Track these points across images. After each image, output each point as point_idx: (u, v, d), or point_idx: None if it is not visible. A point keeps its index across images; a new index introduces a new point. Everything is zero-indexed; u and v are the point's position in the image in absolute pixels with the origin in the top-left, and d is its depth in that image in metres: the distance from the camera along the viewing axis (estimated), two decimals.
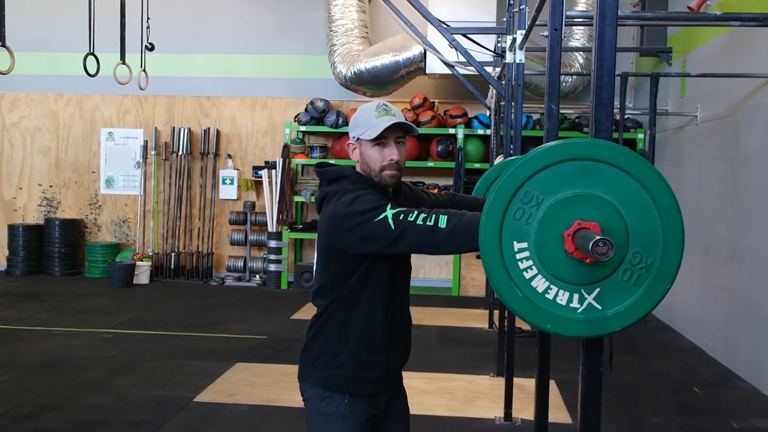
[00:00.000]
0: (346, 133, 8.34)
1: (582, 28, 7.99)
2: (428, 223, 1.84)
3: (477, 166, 8.37)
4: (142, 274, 8.65)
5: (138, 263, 8.63)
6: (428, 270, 9.02)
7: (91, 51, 5.95)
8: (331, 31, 8.28)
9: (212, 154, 9.17)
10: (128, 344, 5.77)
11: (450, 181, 8.65)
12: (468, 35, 5.53)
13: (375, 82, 8.13)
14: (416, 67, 8.00)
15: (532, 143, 6.93)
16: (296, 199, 8.63)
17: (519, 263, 1.54)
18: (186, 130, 9.11)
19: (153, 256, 9.08)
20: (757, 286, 5.08)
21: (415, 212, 1.87)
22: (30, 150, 9.48)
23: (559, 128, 2.60)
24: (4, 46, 4.60)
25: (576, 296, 1.53)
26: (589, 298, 1.53)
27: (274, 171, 8.54)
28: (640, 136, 8.10)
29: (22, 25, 8.81)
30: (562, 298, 1.53)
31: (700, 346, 6.07)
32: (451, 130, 8.36)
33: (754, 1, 5.47)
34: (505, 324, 4.61)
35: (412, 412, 2.35)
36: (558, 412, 4.30)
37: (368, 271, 2.07)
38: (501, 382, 4.52)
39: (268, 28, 9.12)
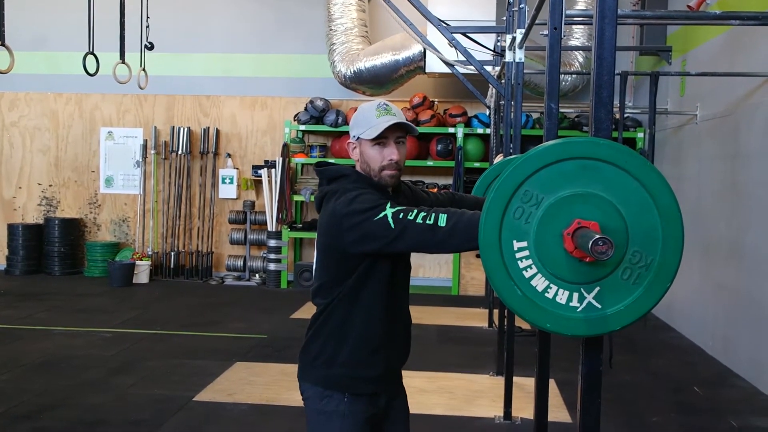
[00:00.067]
0: (346, 133, 8.39)
1: (582, 26, 7.99)
2: (428, 221, 1.84)
3: (477, 165, 8.37)
4: (142, 274, 8.65)
5: (138, 262, 8.63)
6: (428, 269, 9.02)
7: (91, 50, 5.95)
8: (331, 30, 8.28)
9: (212, 154, 9.17)
10: (128, 343, 5.77)
11: (450, 180, 8.65)
12: (467, 34, 5.53)
13: (374, 81, 8.13)
14: (416, 66, 8.00)
15: (531, 142, 6.92)
16: (296, 198, 8.63)
17: (518, 262, 1.54)
18: (185, 130, 9.11)
19: (152, 256, 9.07)
20: (756, 285, 5.08)
21: (415, 211, 1.87)
22: (29, 149, 9.48)
23: (558, 127, 2.60)
24: (3, 45, 4.60)
25: (576, 295, 1.53)
26: (589, 297, 1.53)
27: (273, 170, 8.54)
28: (640, 135, 8.10)
29: (22, 24, 8.80)
30: (562, 297, 1.53)
31: (700, 345, 6.07)
32: (451, 129, 8.35)
33: (754, 0, 5.47)
34: (505, 323, 4.61)
35: (411, 411, 2.35)
36: (558, 411, 4.30)
37: (368, 270, 2.07)
38: (501, 381, 4.52)
39: (267, 27, 9.12)
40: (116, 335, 6.04)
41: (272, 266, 8.64)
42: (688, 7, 6.37)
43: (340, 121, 8.44)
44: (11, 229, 9.03)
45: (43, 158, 9.46)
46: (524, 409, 4.26)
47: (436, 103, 8.73)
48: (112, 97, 9.25)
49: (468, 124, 8.42)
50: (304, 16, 9.00)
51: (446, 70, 7.03)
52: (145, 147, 9.23)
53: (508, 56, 4.41)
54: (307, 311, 6.89)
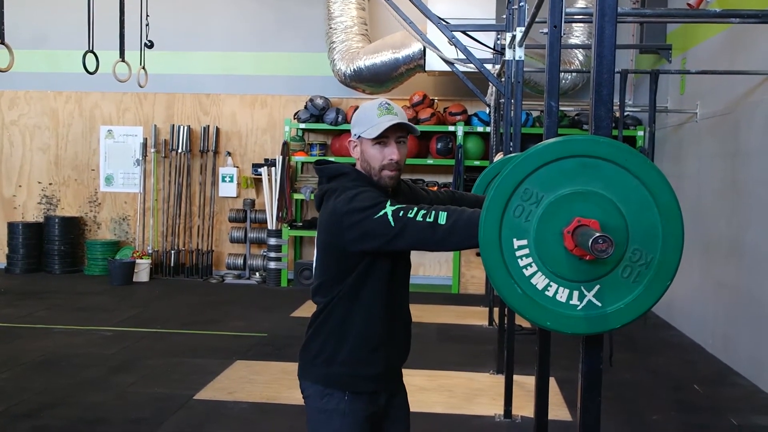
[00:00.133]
0: (346, 131, 8.39)
1: (582, 25, 7.99)
2: (428, 219, 1.84)
3: (477, 163, 8.37)
4: (142, 272, 8.65)
5: (138, 261, 8.63)
6: (428, 267, 9.02)
7: (91, 48, 5.95)
8: (331, 28, 8.28)
9: (212, 152, 9.17)
10: (128, 342, 5.77)
11: (450, 179, 8.65)
12: (467, 32, 5.53)
13: (374, 80, 8.13)
14: (416, 64, 8.00)
15: (531, 140, 6.92)
16: (296, 196, 8.63)
17: (519, 260, 1.54)
18: (185, 128, 9.10)
19: (153, 254, 9.07)
20: (756, 283, 5.08)
21: (415, 209, 1.87)
22: (29, 148, 9.48)
23: (558, 125, 2.60)
24: (3, 43, 4.60)
25: (576, 293, 1.53)
26: (589, 295, 1.53)
27: (273, 168, 8.54)
28: (640, 133, 8.10)
29: (22, 22, 8.80)
30: (562, 295, 1.53)
31: (700, 343, 6.07)
32: (451, 128, 8.35)
33: None
34: (505, 321, 4.62)
35: (412, 409, 2.35)
36: (558, 410, 4.30)
37: (368, 268, 2.07)
38: (501, 379, 4.53)
39: (267, 25, 9.12)
40: (116, 334, 6.04)
41: (272, 264, 8.64)
42: (688, 5, 6.37)
43: (340, 119, 8.44)
44: (11, 227, 9.04)
45: (43, 157, 9.46)
46: (524, 407, 4.26)
47: (436, 101, 8.72)
48: (112, 95, 9.25)
49: (468, 122, 8.42)
50: (304, 15, 9.00)
51: (446, 68, 7.02)
52: (145, 145, 9.23)
53: (508, 54, 4.40)
54: (307, 310, 6.89)
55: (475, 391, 4.72)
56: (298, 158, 8.69)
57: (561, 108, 7.85)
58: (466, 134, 8.39)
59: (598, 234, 1.39)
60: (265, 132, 9.21)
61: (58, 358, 5.27)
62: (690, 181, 6.50)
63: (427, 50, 7.60)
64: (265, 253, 8.81)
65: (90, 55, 5.88)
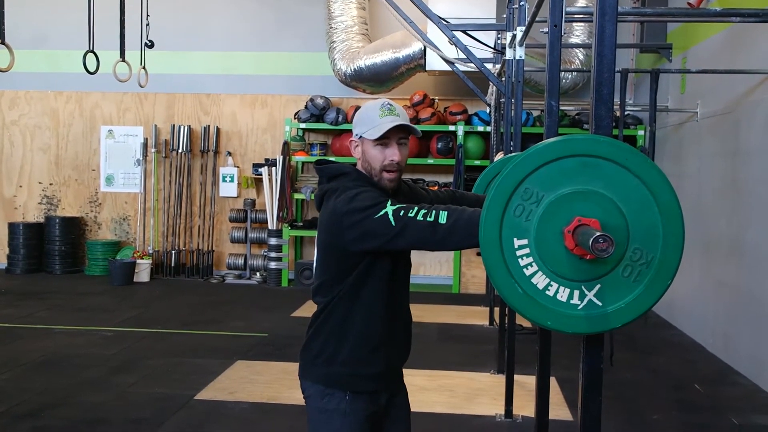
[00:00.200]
0: (346, 131, 8.40)
1: (582, 24, 7.99)
2: (428, 219, 1.84)
3: (477, 163, 8.37)
4: (143, 272, 8.65)
5: (138, 261, 8.63)
6: (429, 267, 9.02)
7: (91, 48, 5.95)
8: (331, 28, 8.27)
9: (212, 152, 9.17)
10: (129, 342, 5.77)
11: (450, 178, 8.65)
12: (468, 32, 5.53)
13: (375, 79, 8.13)
14: (416, 63, 8.00)
15: (532, 140, 6.93)
16: (296, 196, 8.62)
17: (519, 260, 1.54)
18: (186, 128, 9.11)
19: (153, 254, 9.08)
20: (757, 282, 5.08)
21: (416, 208, 1.87)
22: (30, 148, 9.48)
23: (559, 125, 2.60)
24: (3, 43, 4.60)
25: (576, 293, 1.53)
26: (590, 295, 1.53)
27: (274, 168, 8.54)
28: (641, 132, 8.10)
29: (22, 22, 8.80)
30: (563, 294, 1.53)
31: (701, 343, 6.07)
32: (451, 127, 8.35)
33: None
34: (506, 321, 4.62)
35: (412, 409, 2.35)
36: (558, 409, 4.30)
37: (368, 268, 2.07)
38: (501, 379, 4.52)
39: (267, 25, 9.12)
40: (117, 334, 6.04)
41: (273, 264, 8.64)
42: (689, 4, 6.37)
43: (340, 119, 8.44)
44: (12, 227, 9.04)
45: (43, 157, 9.46)
46: (525, 407, 4.26)
47: (436, 100, 8.72)
48: (112, 95, 9.25)
49: (468, 121, 8.42)
50: (304, 14, 9.00)
51: (446, 67, 7.03)
52: (145, 145, 9.23)
53: (509, 54, 4.40)
54: (307, 309, 6.89)
55: (476, 391, 4.72)
56: (299, 158, 8.69)
57: (561, 107, 7.85)
58: (466, 134, 8.39)
59: (598, 233, 1.39)
60: (265, 132, 9.21)
61: (59, 358, 5.27)
62: (690, 181, 6.49)
63: (428, 50, 7.60)
64: (265, 253, 8.81)
65: (90, 55, 5.88)
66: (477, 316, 7.01)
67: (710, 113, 6.18)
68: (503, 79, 5.04)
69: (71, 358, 5.27)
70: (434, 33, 6.16)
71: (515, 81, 4.23)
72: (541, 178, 1.53)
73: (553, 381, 4.49)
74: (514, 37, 4.27)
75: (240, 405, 4.35)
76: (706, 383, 5.02)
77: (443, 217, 1.83)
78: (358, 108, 2.20)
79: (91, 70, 5.82)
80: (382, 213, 1.89)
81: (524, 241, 1.54)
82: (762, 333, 4.94)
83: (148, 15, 6.80)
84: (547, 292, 1.53)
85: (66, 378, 4.79)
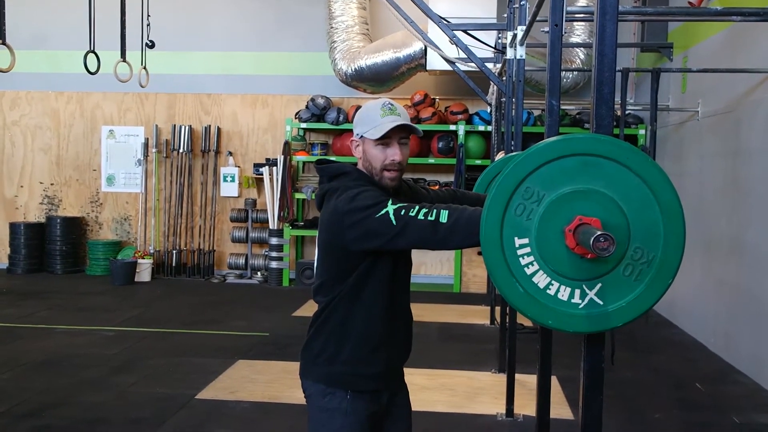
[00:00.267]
0: (347, 130, 8.39)
1: (583, 23, 7.98)
2: (429, 218, 1.83)
3: (478, 162, 8.36)
4: (144, 272, 8.66)
5: (139, 261, 8.63)
6: (430, 267, 9.02)
7: (92, 49, 5.95)
8: (332, 27, 8.28)
9: (213, 152, 9.17)
10: (130, 342, 5.77)
11: (451, 178, 8.65)
12: (468, 31, 5.53)
13: (376, 79, 8.13)
14: (417, 63, 7.99)
15: (533, 139, 6.93)
16: (297, 196, 8.63)
17: (520, 259, 1.54)
18: (187, 128, 9.11)
19: (154, 254, 9.08)
20: (757, 281, 5.07)
21: (417, 207, 1.87)
22: (31, 148, 9.49)
23: (560, 124, 2.60)
24: (4, 44, 4.60)
25: (577, 292, 1.53)
26: (591, 294, 1.53)
27: (275, 168, 8.54)
28: (641, 131, 8.10)
29: (23, 22, 8.80)
30: (564, 293, 1.53)
31: (702, 342, 6.07)
32: (452, 127, 8.35)
33: None
34: (507, 320, 4.62)
35: (413, 408, 2.35)
36: (560, 408, 4.30)
37: (369, 268, 2.07)
38: (502, 378, 4.53)
39: (268, 25, 9.12)
40: (118, 334, 6.05)
41: (274, 264, 8.64)
42: (689, 3, 6.36)
43: (341, 118, 8.44)
44: (13, 227, 9.04)
45: (44, 157, 9.47)
46: (526, 406, 4.26)
47: (437, 100, 8.72)
48: (113, 95, 9.26)
49: (469, 121, 8.42)
50: (305, 14, 9.00)
51: (447, 67, 7.03)
52: (146, 145, 9.23)
53: (509, 53, 4.40)
54: (308, 309, 6.90)
55: (477, 390, 4.72)
56: (300, 158, 8.70)
57: (562, 107, 7.85)
58: (467, 133, 8.39)
59: (599, 232, 1.39)
60: (266, 132, 9.21)
61: (60, 358, 5.27)
62: (691, 180, 6.49)
63: (428, 49, 7.60)
64: (266, 253, 8.81)
65: (91, 56, 5.88)
66: (478, 316, 7.01)
67: (711, 112, 6.17)
68: (504, 78, 5.04)
69: (72, 358, 5.27)
70: (435, 32, 6.17)
71: (516, 80, 4.23)
72: (542, 177, 1.53)
73: (554, 380, 4.49)
74: (514, 36, 4.27)
75: (241, 404, 4.36)
76: (707, 382, 5.02)
77: (444, 216, 1.82)
78: (358, 108, 2.19)
79: (92, 70, 5.82)
80: (383, 212, 1.89)
81: (525, 240, 1.54)
82: (763, 332, 4.94)
83: (148, 15, 6.81)
84: (548, 291, 1.54)
85: (67, 378, 4.80)
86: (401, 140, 2.11)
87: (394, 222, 1.87)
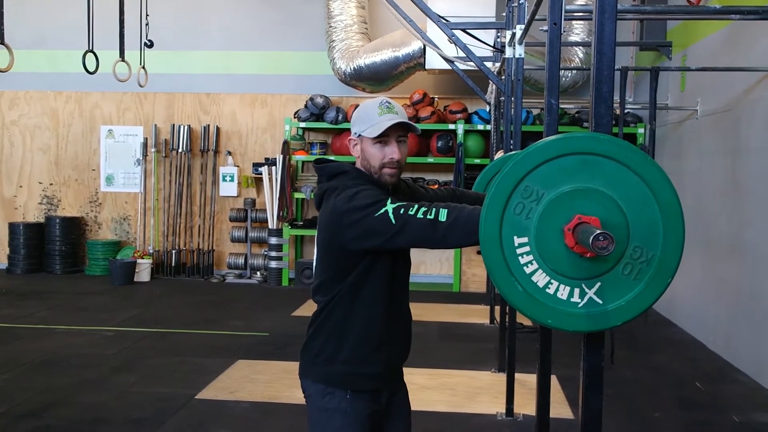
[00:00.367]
0: (346, 130, 8.39)
1: (581, 22, 7.98)
2: (428, 216, 1.83)
3: (477, 161, 8.36)
4: (143, 272, 8.66)
5: (139, 261, 8.63)
6: (429, 266, 9.02)
7: (91, 48, 5.95)
8: (331, 27, 8.27)
9: (212, 151, 9.17)
10: (129, 342, 5.77)
11: (450, 177, 8.65)
12: (467, 30, 5.52)
13: (374, 78, 8.13)
14: (416, 62, 7.99)
15: (532, 138, 6.92)
16: (296, 195, 8.62)
17: (519, 258, 1.54)
18: (186, 127, 9.10)
19: (154, 254, 9.07)
20: (757, 280, 5.07)
21: (416, 206, 1.87)
22: (30, 148, 9.48)
23: (559, 123, 2.60)
24: (3, 43, 4.60)
25: (577, 291, 1.53)
26: (590, 293, 1.53)
27: (274, 168, 8.54)
28: (640, 130, 8.10)
29: (21, 22, 8.80)
30: (563, 292, 1.53)
31: (701, 341, 6.07)
32: (451, 126, 8.35)
33: None
34: (506, 319, 4.62)
35: (413, 408, 2.35)
36: (559, 407, 4.30)
37: (368, 267, 2.06)
38: (502, 377, 4.53)
39: (267, 24, 9.11)
40: (117, 333, 6.04)
41: (273, 264, 8.64)
42: (688, 1, 6.36)
43: (340, 118, 8.44)
44: (12, 227, 9.04)
45: (43, 157, 9.46)
46: (526, 405, 4.26)
47: (436, 99, 8.72)
48: (112, 95, 9.25)
49: (468, 120, 8.42)
50: (304, 13, 8.99)
51: (446, 66, 7.02)
52: (145, 145, 9.23)
53: (508, 52, 4.40)
54: (308, 309, 6.89)
55: (477, 390, 4.72)
56: (299, 157, 8.69)
57: (561, 105, 7.85)
58: (466, 132, 8.39)
59: (598, 231, 1.39)
60: (265, 131, 9.21)
61: (60, 358, 5.27)
62: (691, 179, 6.49)
63: (427, 48, 7.60)
64: (266, 253, 8.81)
65: (90, 55, 5.87)
66: (477, 315, 7.01)
67: (710, 111, 6.17)
68: (503, 77, 5.03)
69: (72, 358, 5.27)
70: (434, 32, 6.17)
71: (515, 79, 4.23)
72: (542, 176, 1.52)
73: (553, 379, 4.49)
74: (513, 35, 4.27)
75: (240, 404, 4.35)
76: (707, 381, 5.02)
77: (443, 215, 1.82)
78: (357, 107, 2.19)
79: (91, 69, 5.82)
80: (382, 211, 1.89)
81: (524, 239, 1.54)
82: (763, 331, 4.94)
83: (147, 15, 6.80)
84: (547, 290, 1.53)
85: (66, 378, 4.79)
86: (399, 138, 2.11)
87: (393, 221, 1.87)
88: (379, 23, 8.71)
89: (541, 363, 2.67)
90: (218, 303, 7.53)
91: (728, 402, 4.60)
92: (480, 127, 8.32)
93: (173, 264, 9.07)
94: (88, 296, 7.70)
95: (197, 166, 9.24)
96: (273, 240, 8.61)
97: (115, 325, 6.35)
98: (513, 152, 3.83)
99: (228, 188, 9.13)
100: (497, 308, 5.96)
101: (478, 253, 1.69)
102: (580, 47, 8.02)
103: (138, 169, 9.29)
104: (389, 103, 2.11)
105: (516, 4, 4.14)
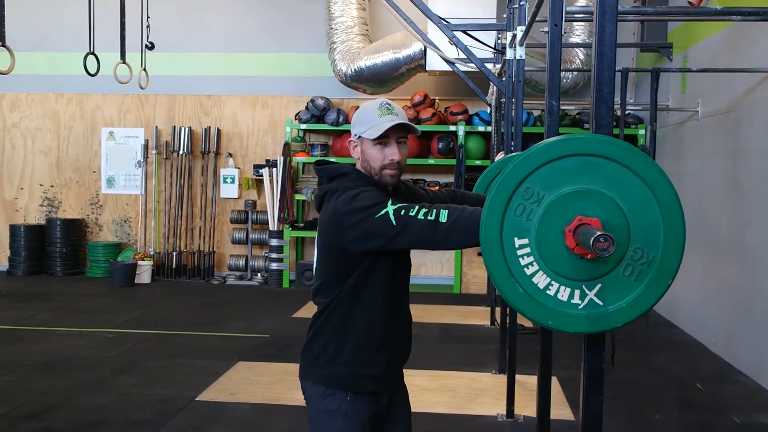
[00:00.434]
0: (347, 131, 8.38)
1: (582, 23, 7.98)
2: (429, 217, 1.83)
3: (478, 163, 8.36)
4: (144, 274, 8.66)
5: (139, 263, 8.63)
6: (430, 267, 9.02)
7: (92, 50, 5.95)
8: (332, 28, 8.28)
9: (213, 153, 9.17)
10: (130, 344, 5.77)
11: (451, 179, 8.65)
12: (468, 32, 5.52)
13: (375, 80, 8.13)
14: (416, 64, 7.99)
15: (532, 140, 6.92)
16: (297, 197, 8.62)
17: (520, 259, 1.54)
18: (187, 129, 9.11)
19: (154, 256, 9.08)
20: (758, 282, 5.07)
21: (416, 207, 1.87)
22: (31, 150, 9.49)
23: (559, 124, 2.60)
24: (4, 46, 4.60)
25: (577, 292, 1.53)
26: (591, 294, 1.53)
27: (275, 169, 8.54)
28: (641, 131, 8.10)
29: (22, 25, 8.81)
30: (564, 294, 1.53)
31: (702, 342, 6.07)
32: (452, 127, 8.35)
33: None
34: (507, 321, 4.62)
35: (414, 409, 2.35)
36: (560, 409, 4.30)
37: (369, 268, 2.07)
38: (503, 379, 4.52)
39: (268, 26, 9.12)
40: (118, 335, 6.04)
41: (274, 265, 8.64)
42: (689, 3, 6.36)
43: (341, 119, 8.44)
44: (13, 229, 9.04)
45: (44, 159, 9.47)
46: (527, 406, 4.26)
47: (437, 101, 8.72)
48: (113, 97, 9.26)
49: (469, 121, 8.42)
50: (305, 15, 9.00)
51: (447, 68, 7.02)
52: (146, 147, 9.23)
53: (509, 53, 4.40)
54: (309, 310, 6.89)
55: (478, 391, 4.72)
56: (300, 159, 8.69)
57: (562, 107, 7.85)
58: (467, 134, 8.39)
59: (599, 233, 1.39)
60: (266, 133, 9.21)
61: (60, 360, 5.27)
62: (691, 180, 6.49)
63: (428, 50, 7.60)
64: (266, 254, 8.81)
65: (91, 57, 5.88)
66: (478, 316, 7.00)
67: (711, 112, 6.17)
68: (504, 79, 5.04)
69: (72, 360, 5.27)
70: (434, 33, 6.17)
71: (516, 81, 4.23)
72: (542, 177, 1.52)
73: (554, 381, 4.50)
74: (514, 36, 4.27)
75: (241, 406, 4.35)
76: (708, 382, 5.01)
77: (444, 216, 1.82)
78: (358, 109, 2.19)
79: (92, 72, 5.82)
80: (383, 212, 1.89)
81: (525, 241, 1.54)
82: (764, 332, 4.93)
83: (148, 17, 6.81)
84: (547, 292, 1.53)
85: (67, 380, 4.79)
86: (399, 140, 2.11)
87: (393, 222, 1.87)
88: (380, 25, 8.72)
89: (541, 364, 2.67)
90: (219, 305, 7.53)
91: (729, 403, 4.60)
92: (481, 128, 8.32)
93: (174, 266, 9.07)
94: (88, 298, 7.70)
95: (198, 167, 9.24)
96: (274, 242, 8.61)
97: (116, 327, 6.35)
98: (514, 154, 3.83)
99: (229, 190, 9.13)
100: (498, 310, 5.96)
101: (479, 254, 1.69)
102: (581, 48, 8.02)
103: (139, 171, 9.29)
104: (389, 104, 2.11)
105: (517, 6, 4.15)
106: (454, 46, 5.13)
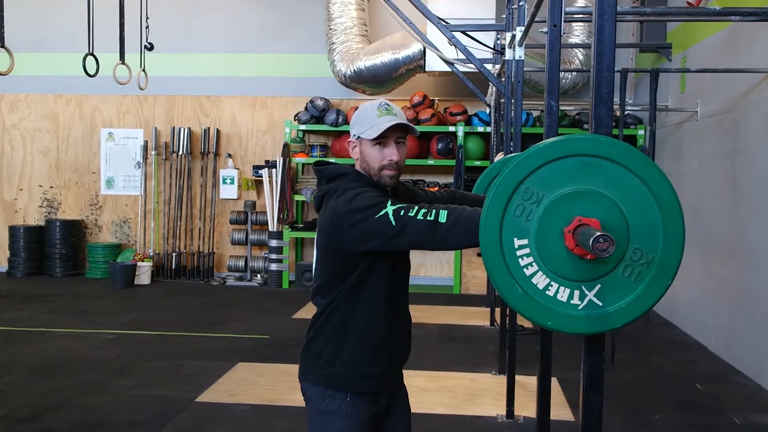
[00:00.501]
0: (346, 132, 8.38)
1: (581, 24, 7.99)
2: (428, 218, 1.83)
3: (477, 163, 8.36)
4: (144, 275, 8.66)
5: (139, 264, 8.63)
6: (429, 268, 9.02)
7: (91, 51, 5.95)
8: (331, 29, 8.28)
9: (212, 154, 9.17)
10: (130, 345, 5.77)
11: (450, 179, 8.65)
12: (467, 32, 5.53)
13: (375, 81, 8.13)
14: (416, 64, 7.99)
15: (532, 140, 6.91)
16: (297, 198, 8.62)
17: (519, 260, 1.54)
18: (186, 130, 9.11)
19: (154, 257, 9.08)
20: (758, 281, 5.07)
21: (416, 208, 1.87)
22: (30, 151, 9.48)
23: (559, 125, 2.60)
24: (3, 46, 4.60)
25: (577, 293, 1.53)
26: (590, 295, 1.53)
27: (274, 170, 8.54)
28: (641, 132, 8.10)
29: (22, 25, 8.81)
30: (563, 294, 1.53)
31: (702, 342, 6.07)
32: (451, 128, 8.35)
33: None
34: (507, 321, 4.61)
35: (413, 410, 2.35)
36: (560, 409, 4.30)
37: (368, 269, 2.06)
38: (503, 379, 4.52)
39: (267, 26, 9.12)
40: (118, 336, 6.04)
41: (273, 266, 8.64)
42: (688, 3, 6.37)
43: (340, 120, 8.44)
44: (12, 231, 9.04)
45: (43, 160, 9.46)
46: (526, 407, 4.26)
47: (436, 101, 8.72)
48: (112, 98, 9.26)
49: (468, 122, 8.41)
50: (304, 16, 9.00)
51: (446, 68, 7.03)
52: (145, 148, 9.23)
53: (508, 54, 4.40)
54: (308, 311, 6.88)
55: (477, 392, 4.72)
56: (299, 160, 8.69)
57: (561, 107, 7.85)
58: (466, 134, 8.39)
59: (598, 233, 1.39)
60: (265, 134, 9.21)
61: (60, 361, 5.27)
62: (691, 180, 6.49)
63: (427, 51, 7.60)
64: (266, 255, 8.81)
65: (90, 58, 5.87)
66: (478, 317, 7.00)
67: (710, 112, 6.17)
68: (503, 79, 5.04)
69: (72, 361, 5.27)
70: (434, 34, 6.17)
71: (515, 81, 4.23)
72: (542, 177, 1.52)
73: (554, 381, 4.49)
74: (513, 37, 4.27)
75: (241, 407, 4.35)
76: (708, 383, 5.01)
77: (443, 217, 1.82)
78: (357, 109, 2.19)
79: (91, 72, 5.82)
80: (382, 213, 1.89)
81: (524, 241, 1.54)
82: (763, 332, 4.93)
83: (147, 17, 6.80)
84: (547, 293, 1.53)
85: (67, 381, 4.79)
86: (398, 140, 2.11)
87: (393, 222, 1.87)
88: (379, 25, 8.72)
89: (541, 365, 2.66)
90: (218, 306, 7.53)
91: (728, 403, 4.60)
92: (480, 129, 8.32)
93: (173, 267, 9.07)
94: (88, 299, 7.69)
95: (197, 168, 9.24)
96: (273, 242, 8.61)
97: (116, 328, 6.34)
98: (513, 154, 3.83)
99: (228, 191, 9.13)
100: (497, 310, 5.96)
101: (479, 255, 1.69)
102: (580, 49, 8.02)
103: (138, 172, 9.29)
104: (388, 104, 2.11)
105: (516, 6, 4.14)
106: (453, 47, 5.14)
